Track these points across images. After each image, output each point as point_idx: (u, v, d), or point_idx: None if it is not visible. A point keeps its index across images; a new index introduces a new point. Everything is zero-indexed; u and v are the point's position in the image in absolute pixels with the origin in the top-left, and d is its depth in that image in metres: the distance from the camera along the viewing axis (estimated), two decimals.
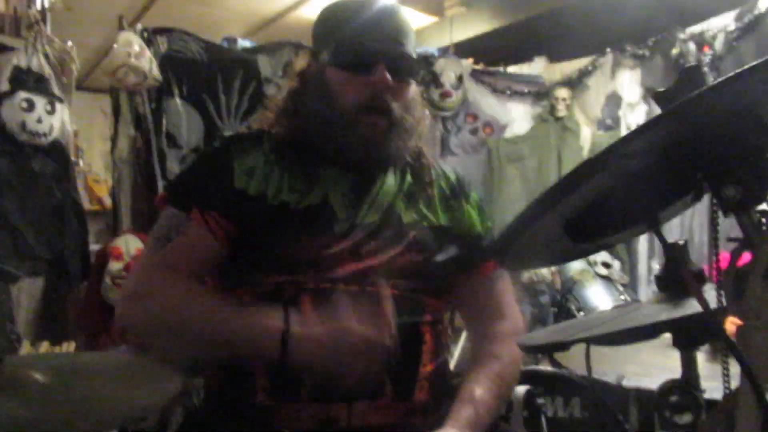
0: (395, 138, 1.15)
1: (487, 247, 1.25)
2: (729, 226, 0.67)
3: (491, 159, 3.84)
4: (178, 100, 2.93)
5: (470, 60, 3.82)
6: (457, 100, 3.72)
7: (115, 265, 2.54)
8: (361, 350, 1.00)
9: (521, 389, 1.29)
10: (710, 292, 0.72)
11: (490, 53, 3.96)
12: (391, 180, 1.19)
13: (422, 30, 4.20)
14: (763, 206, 0.65)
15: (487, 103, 3.83)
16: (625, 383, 1.29)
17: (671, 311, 0.80)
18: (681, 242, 0.82)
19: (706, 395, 0.94)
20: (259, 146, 1.16)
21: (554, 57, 3.92)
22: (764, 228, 0.65)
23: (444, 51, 3.83)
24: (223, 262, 1.13)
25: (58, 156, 2.65)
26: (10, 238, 2.49)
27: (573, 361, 1.46)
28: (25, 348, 2.41)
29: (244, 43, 3.22)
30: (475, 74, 3.80)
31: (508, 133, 3.90)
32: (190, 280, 1.10)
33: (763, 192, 0.65)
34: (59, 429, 0.96)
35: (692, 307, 0.77)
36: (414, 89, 1.19)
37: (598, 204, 0.72)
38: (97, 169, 4.03)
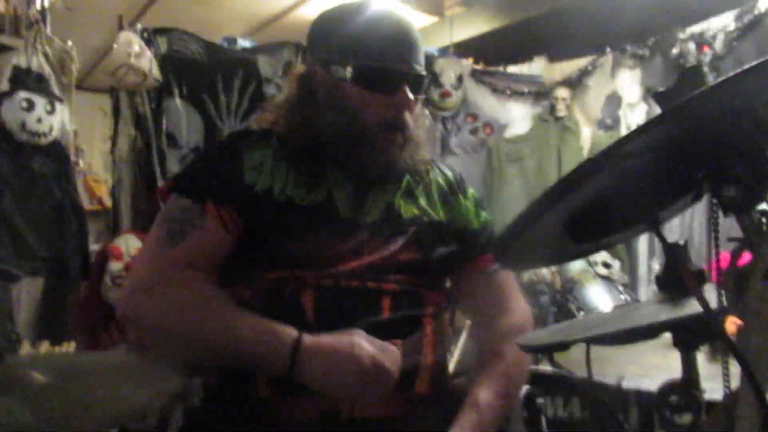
0: (408, 151, 1.17)
1: (488, 245, 1.25)
2: (729, 226, 0.67)
3: (491, 159, 3.84)
4: (178, 100, 2.93)
5: (470, 60, 3.82)
6: (457, 100, 3.72)
7: (115, 265, 2.54)
8: (370, 379, 1.00)
9: (521, 390, 1.29)
10: (710, 292, 0.72)
11: (490, 53, 3.96)
12: (391, 177, 1.20)
13: (422, 30, 4.20)
14: (763, 206, 0.65)
15: (487, 103, 3.83)
16: (625, 384, 1.29)
17: (671, 311, 0.80)
18: (681, 242, 0.82)
19: (706, 395, 0.94)
20: (267, 143, 1.17)
21: (554, 57, 3.92)
22: (764, 228, 0.65)
23: (444, 51, 3.83)
24: (230, 260, 1.13)
25: (58, 156, 2.64)
26: (10, 238, 2.49)
27: (573, 362, 1.46)
28: (25, 348, 2.41)
29: (244, 43, 3.22)
30: (475, 74, 3.80)
31: (508, 133, 3.90)
32: (207, 280, 1.09)
33: (763, 192, 0.65)
34: (59, 429, 0.96)
35: (692, 307, 0.77)
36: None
37: (598, 204, 0.72)
38: (97, 169, 4.03)
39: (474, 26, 4.26)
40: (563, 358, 1.47)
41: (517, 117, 3.91)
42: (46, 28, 2.63)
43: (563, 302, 2.98)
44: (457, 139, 3.79)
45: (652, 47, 3.51)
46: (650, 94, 3.42)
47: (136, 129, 2.89)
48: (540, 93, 3.90)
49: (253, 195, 1.11)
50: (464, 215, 1.26)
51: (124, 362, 1.27)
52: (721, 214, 0.67)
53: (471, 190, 1.31)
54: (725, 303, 0.69)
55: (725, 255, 0.69)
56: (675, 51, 3.32)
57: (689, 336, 0.89)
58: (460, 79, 3.70)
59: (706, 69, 2.98)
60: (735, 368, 0.69)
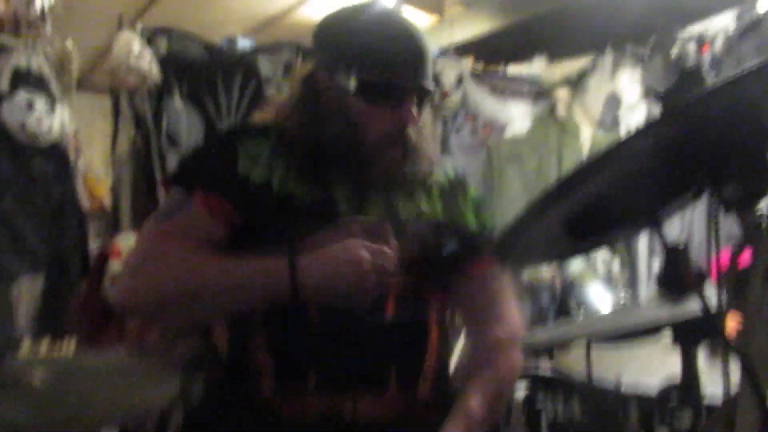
0: (409, 163, 1.16)
1: (488, 245, 1.25)
2: (731, 224, 0.67)
3: (491, 159, 3.83)
4: (178, 101, 2.93)
5: (470, 60, 3.82)
6: (457, 101, 3.72)
7: (115, 265, 2.54)
8: (369, 266, 0.98)
9: (521, 393, 1.29)
10: (710, 291, 0.72)
11: (490, 53, 3.96)
12: (391, 178, 1.19)
13: (422, 30, 4.20)
14: (763, 207, 0.65)
15: (487, 103, 3.83)
16: (625, 386, 1.29)
17: (671, 310, 0.80)
18: (681, 243, 0.82)
19: (706, 392, 0.94)
20: (265, 137, 1.16)
21: (554, 57, 3.92)
22: (764, 228, 0.65)
23: (444, 51, 3.83)
24: (223, 250, 1.11)
25: (58, 156, 2.64)
26: (10, 238, 2.49)
27: (573, 363, 1.45)
28: (26, 346, 2.41)
29: (244, 44, 3.22)
30: (474, 75, 3.80)
31: (508, 134, 3.90)
32: (190, 246, 1.07)
33: (762, 191, 0.65)
34: (59, 429, 0.96)
35: (692, 306, 0.78)
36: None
37: (599, 203, 0.72)
38: (97, 170, 4.02)
39: (474, 26, 4.25)
40: (563, 360, 1.47)
41: (517, 117, 3.91)
42: (46, 28, 2.63)
43: (563, 302, 2.99)
44: (457, 139, 3.78)
45: (652, 47, 3.51)
46: (650, 94, 3.42)
47: (136, 129, 2.89)
48: (540, 93, 3.90)
49: (248, 187, 1.10)
50: (463, 216, 1.25)
51: (124, 363, 1.27)
52: (721, 213, 0.67)
53: (473, 192, 1.30)
54: (725, 301, 0.70)
55: (726, 253, 0.69)
56: (675, 51, 3.32)
57: (689, 334, 0.89)
58: (459, 79, 3.70)
59: (706, 70, 2.97)
60: (735, 367, 0.69)
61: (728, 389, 0.76)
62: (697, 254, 0.87)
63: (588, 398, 1.33)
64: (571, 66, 3.86)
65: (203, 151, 1.25)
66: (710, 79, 2.99)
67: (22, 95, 2.51)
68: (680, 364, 1.05)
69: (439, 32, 4.22)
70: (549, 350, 1.38)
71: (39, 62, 2.58)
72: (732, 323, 0.70)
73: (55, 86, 2.62)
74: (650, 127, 0.62)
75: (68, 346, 2.44)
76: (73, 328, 2.56)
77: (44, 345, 2.42)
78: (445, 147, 3.74)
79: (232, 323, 1.19)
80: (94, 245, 2.86)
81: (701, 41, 3.26)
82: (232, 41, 3.20)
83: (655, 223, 0.76)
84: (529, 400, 1.34)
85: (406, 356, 1.12)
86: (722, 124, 0.65)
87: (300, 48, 3.18)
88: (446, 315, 1.22)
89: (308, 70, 1.20)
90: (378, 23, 1.13)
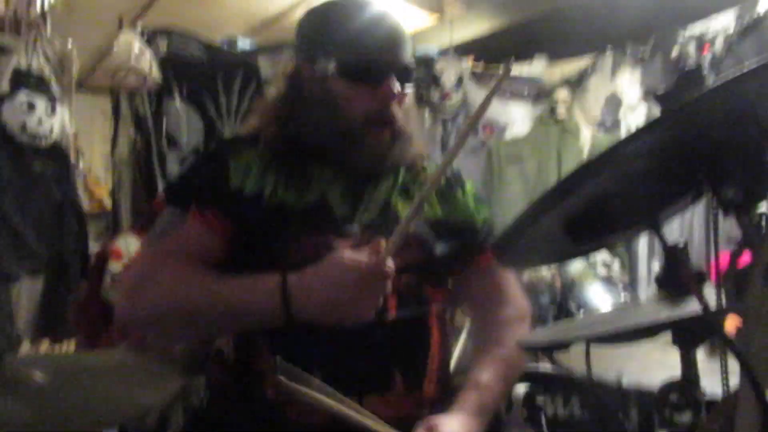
0: (398, 146, 1.16)
1: (488, 240, 1.26)
2: (730, 225, 0.67)
3: (491, 160, 3.83)
4: (178, 102, 2.94)
5: (470, 61, 3.82)
6: (457, 102, 3.72)
7: (115, 265, 2.54)
8: (362, 278, 0.98)
9: (521, 389, 1.29)
10: (710, 291, 0.72)
11: (490, 53, 3.95)
12: (386, 178, 1.20)
13: (422, 31, 4.20)
14: (763, 208, 0.65)
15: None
16: (625, 383, 1.29)
17: (671, 311, 0.80)
18: (681, 244, 0.82)
19: (706, 391, 0.94)
20: (254, 147, 1.16)
21: (554, 57, 3.91)
22: (764, 228, 0.65)
23: (444, 52, 3.83)
24: (221, 263, 1.12)
25: (58, 157, 2.64)
26: (10, 238, 2.49)
27: (573, 362, 1.45)
28: (25, 347, 2.41)
29: (244, 44, 3.22)
30: (475, 76, 3.80)
31: (508, 135, 3.90)
32: (187, 264, 1.09)
33: (762, 192, 0.65)
34: (59, 428, 0.96)
35: (692, 307, 0.78)
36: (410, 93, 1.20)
37: (599, 204, 0.72)
38: (97, 171, 4.02)
39: (474, 26, 4.25)
40: (563, 358, 1.47)
41: (517, 118, 3.91)
42: (46, 29, 2.63)
43: (563, 302, 2.98)
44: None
45: (652, 47, 3.51)
46: (650, 95, 3.42)
47: (136, 130, 2.90)
48: (540, 95, 3.90)
49: (242, 199, 1.11)
50: (463, 211, 1.26)
51: (124, 362, 1.27)
52: (720, 214, 0.67)
53: (469, 186, 1.31)
54: (724, 302, 0.70)
55: (725, 255, 0.69)
56: (675, 52, 3.32)
57: (689, 334, 0.89)
58: (460, 80, 3.70)
59: (706, 70, 2.97)
60: (734, 365, 0.69)
61: (728, 389, 0.76)
62: (697, 256, 0.87)
63: (588, 395, 1.33)
64: (571, 67, 3.86)
65: (194, 168, 1.26)
66: (710, 80, 3.00)
67: (22, 96, 2.51)
68: (680, 363, 1.05)
69: (439, 32, 4.21)
70: (549, 349, 1.39)
71: (39, 63, 2.58)
72: (731, 323, 0.70)
73: (55, 87, 2.62)
74: (650, 127, 0.63)
75: (68, 345, 2.45)
76: (73, 328, 2.56)
77: (44, 345, 2.43)
78: (445, 148, 3.74)
79: None
80: (94, 246, 2.87)
81: (701, 41, 3.26)
82: (232, 42, 3.20)
83: (655, 225, 0.76)
84: (530, 398, 1.34)
85: (409, 355, 1.13)
86: (722, 125, 0.65)
87: None
88: (446, 313, 1.23)
89: (291, 67, 1.21)
90: (354, 8, 1.15)
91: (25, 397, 0.95)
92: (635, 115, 3.61)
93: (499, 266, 1.25)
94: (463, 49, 3.91)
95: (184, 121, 2.95)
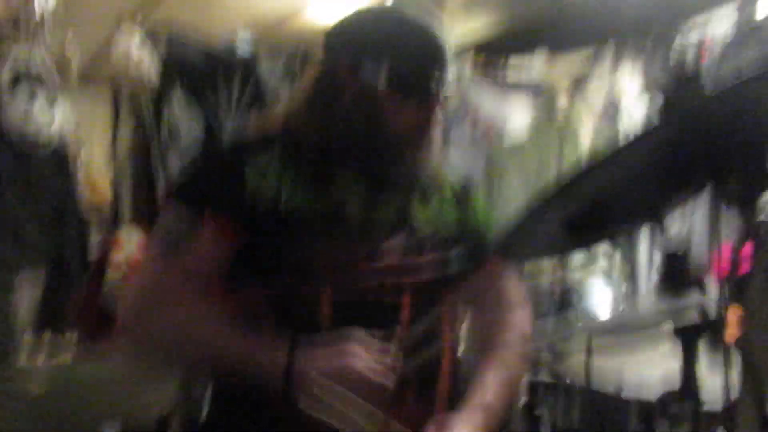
0: (430, 165, 1.16)
1: (492, 240, 1.25)
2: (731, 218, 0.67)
3: (491, 160, 3.83)
4: (177, 107, 2.94)
5: (470, 53, 3.81)
6: (457, 102, 3.72)
7: (117, 256, 2.53)
8: (363, 392, 0.99)
9: (520, 399, 1.29)
10: (711, 290, 0.73)
11: (491, 45, 3.93)
12: (403, 188, 1.18)
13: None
14: (762, 217, 0.66)
15: (486, 109, 3.83)
16: (625, 392, 1.29)
17: (671, 307, 0.81)
18: (681, 245, 0.83)
19: (706, 393, 0.94)
20: (272, 150, 1.12)
21: (555, 50, 3.88)
22: (764, 230, 0.65)
23: None
24: (232, 268, 1.09)
25: (58, 157, 2.65)
26: (11, 239, 2.50)
27: (572, 369, 1.45)
28: (26, 347, 2.40)
29: (243, 46, 3.22)
30: (474, 76, 3.80)
31: (508, 135, 3.89)
32: (202, 295, 1.07)
33: (763, 186, 0.65)
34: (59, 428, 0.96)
35: (692, 308, 0.78)
36: None
37: (602, 200, 0.72)
38: (96, 171, 4.02)
39: (474, 19, 4.22)
40: (563, 365, 1.47)
41: (517, 118, 3.90)
42: (46, 30, 2.63)
43: (563, 298, 2.98)
44: (456, 146, 3.78)
45: (652, 47, 3.50)
46: (650, 97, 3.43)
47: (136, 132, 2.90)
48: (540, 94, 3.89)
49: (258, 205, 1.07)
50: (476, 219, 1.26)
51: (123, 368, 1.26)
52: (723, 208, 0.67)
53: (481, 197, 1.31)
54: (725, 301, 0.70)
55: (727, 248, 0.69)
56: (674, 57, 3.33)
57: (689, 336, 0.89)
58: (459, 80, 3.70)
59: (704, 75, 2.97)
60: (734, 366, 0.69)
61: (728, 390, 0.77)
62: (699, 249, 0.87)
63: (588, 404, 1.33)
64: (572, 67, 3.85)
65: (209, 169, 1.20)
66: (709, 85, 3.00)
67: (22, 97, 2.52)
68: (680, 368, 1.05)
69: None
70: (551, 343, 1.39)
71: (39, 64, 2.58)
72: (732, 318, 0.70)
73: (55, 88, 2.62)
74: (651, 129, 0.63)
75: (71, 336, 2.44)
76: (74, 328, 2.56)
77: (44, 346, 2.42)
78: (444, 148, 3.72)
79: None
80: (93, 248, 2.86)
81: (700, 47, 3.27)
82: (231, 44, 3.20)
83: (657, 219, 0.77)
84: (529, 406, 1.34)
85: (421, 363, 1.11)
86: (724, 124, 0.65)
87: (299, 54, 3.18)
88: (456, 320, 1.23)
89: (319, 72, 1.17)
90: (405, 19, 1.12)
91: (23, 406, 0.95)
92: (634, 116, 3.61)
93: (504, 271, 1.26)
94: (463, 42, 3.87)
95: (183, 123, 2.95)
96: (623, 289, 2.97)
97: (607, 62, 3.72)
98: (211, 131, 3.00)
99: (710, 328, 0.82)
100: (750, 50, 3.04)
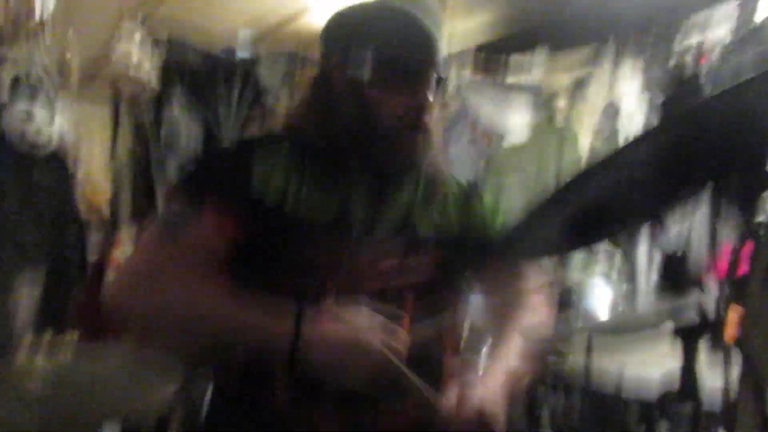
0: (426, 148, 1.15)
1: (495, 241, 1.25)
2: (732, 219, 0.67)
3: (490, 167, 3.83)
4: (176, 110, 2.94)
5: (470, 62, 3.81)
6: (456, 109, 3.73)
7: (117, 256, 2.54)
8: (371, 365, 0.98)
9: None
10: (710, 289, 0.73)
11: (491, 46, 3.93)
12: (407, 188, 1.19)
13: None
14: (762, 217, 0.65)
15: (486, 111, 3.84)
16: (625, 389, 1.29)
17: (671, 307, 0.81)
18: (680, 248, 0.83)
19: (705, 393, 0.94)
20: (278, 149, 1.13)
21: (556, 48, 3.89)
22: (764, 230, 0.65)
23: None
24: (234, 268, 1.09)
25: (57, 165, 2.65)
26: (11, 245, 2.50)
27: (573, 366, 1.45)
28: (24, 349, 2.40)
29: (243, 53, 3.23)
30: (473, 82, 3.81)
31: (507, 142, 3.90)
32: (200, 271, 1.04)
33: (764, 186, 0.65)
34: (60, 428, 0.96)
35: (693, 301, 0.78)
36: None
37: (603, 202, 0.72)
38: (96, 178, 4.02)
39: (474, 19, 4.22)
40: (564, 362, 1.47)
41: (516, 125, 3.91)
42: (46, 36, 2.63)
43: (563, 297, 2.98)
44: (456, 147, 3.79)
45: (652, 47, 3.50)
46: (650, 96, 3.43)
47: (135, 138, 2.90)
48: (539, 101, 3.90)
49: (261, 199, 1.07)
50: (481, 223, 1.26)
51: (123, 366, 1.27)
52: (723, 208, 0.67)
53: (486, 197, 1.31)
54: (725, 300, 0.70)
55: (727, 248, 0.69)
56: (673, 62, 3.33)
57: (688, 335, 0.89)
58: (458, 87, 3.70)
59: (704, 80, 2.97)
60: (735, 366, 0.69)
61: (728, 390, 0.76)
62: (698, 249, 0.87)
63: (588, 404, 1.33)
64: (572, 67, 3.85)
65: (215, 159, 1.22)
66: (708, 89, 3.01)
67: (21, 103, 2.52)
68: (680, 368, 1.05)
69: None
70: (552, 341, 1.39)
71: (38, 70, 2.59)
72: (732, 318, 0.70)
73: (55, 89, 2.63)
74: (651, 129, 0.63)
75: (68, 346, 2.44)
76: (74, 328, 2.56)
77: (44, 346, 2.42)
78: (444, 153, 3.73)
79: None
80: (93, 251, 2.87)
81: (699, 52, 3.27)
82: (230, 50, 3.21)
83: (657, 220, 0.77)
84: (530, 403, 1.34)
85: (425, 366, 1.10)
86: (724, 124, 0.65)
87: (299, 56, 3.19)
88: (460, 322, 1.22)
89: (317, 72, 1.19)
90: (386, 12, 1.12)
91: (24, 403, 0.95)
92: (634, 122, 3.61)
93: (515, 273, 1.26)
94: (462, 42, 3.87)
95: (182, 129, 2.96)
96: (623, 289, 2.97)
97: (607, 62, 3.71)
98: (210, 138, 3.00)
99: (710, 328, 0.82)
100: (750, 51, 3.05)
